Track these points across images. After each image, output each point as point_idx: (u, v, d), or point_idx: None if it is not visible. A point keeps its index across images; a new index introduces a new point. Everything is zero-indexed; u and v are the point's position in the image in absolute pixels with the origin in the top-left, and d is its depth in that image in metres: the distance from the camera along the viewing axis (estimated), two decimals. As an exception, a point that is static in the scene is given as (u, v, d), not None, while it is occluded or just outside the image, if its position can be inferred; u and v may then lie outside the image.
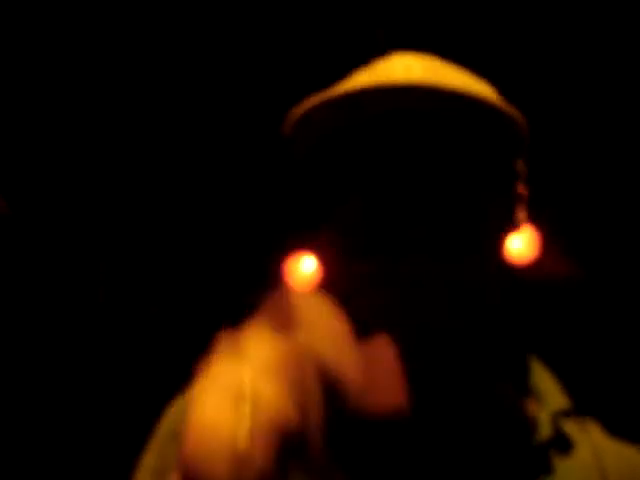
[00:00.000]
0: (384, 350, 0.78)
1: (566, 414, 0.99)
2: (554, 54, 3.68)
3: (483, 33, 3.57)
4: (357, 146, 0.96)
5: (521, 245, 4.50)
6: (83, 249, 4.17)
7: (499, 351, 1.03)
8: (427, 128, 0.95)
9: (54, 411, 3.98)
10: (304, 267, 4.58)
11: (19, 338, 4.08)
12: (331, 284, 1.00)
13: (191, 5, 3.42)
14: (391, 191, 0.94)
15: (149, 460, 1.08)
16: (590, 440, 0.99)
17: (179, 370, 1.20)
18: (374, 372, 0.74)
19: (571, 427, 0.99)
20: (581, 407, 1.01)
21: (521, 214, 1.01)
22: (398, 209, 0.93)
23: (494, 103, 0.97)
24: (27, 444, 3.88)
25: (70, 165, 3.93)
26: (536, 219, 4.46)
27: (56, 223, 4.08)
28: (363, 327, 0.88)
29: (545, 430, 0.96)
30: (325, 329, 0.73)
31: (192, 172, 4.01)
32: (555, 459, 0.95)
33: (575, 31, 3.57)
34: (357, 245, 0.96)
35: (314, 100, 0.96)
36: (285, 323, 0.72)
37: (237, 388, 0.65)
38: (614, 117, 4.00)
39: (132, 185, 4.05)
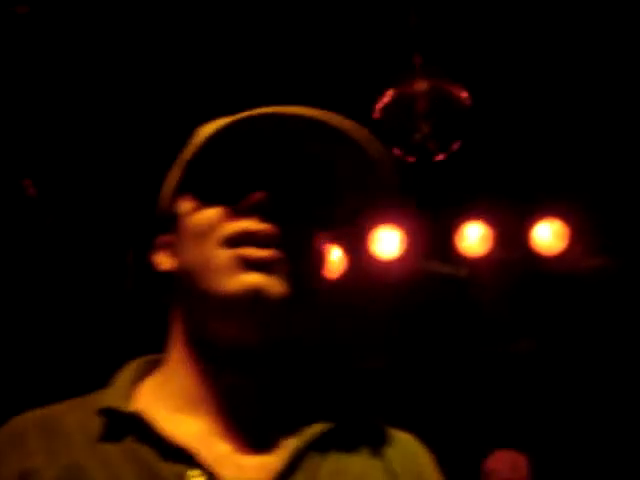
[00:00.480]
0: None
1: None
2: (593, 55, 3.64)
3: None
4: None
5: (549, 236, 4.47)
6: (111, 235, 4.18)
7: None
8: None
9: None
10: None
11: (45, 323, 4.11)
12: None
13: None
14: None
15: None
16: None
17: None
18: None
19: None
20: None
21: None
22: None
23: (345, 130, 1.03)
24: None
25: (98, 152, 3.94)
26: (565, 211, 4.44)
27: (84, 209, 4.11)
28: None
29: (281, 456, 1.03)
30: None
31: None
32: None
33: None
34: None
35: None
36: None
37: None
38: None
39: (157, 173, 4.05)
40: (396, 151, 3.25)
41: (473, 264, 4.55)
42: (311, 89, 3.59)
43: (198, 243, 1.03)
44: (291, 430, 1.04)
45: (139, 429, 1.01)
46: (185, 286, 1.06)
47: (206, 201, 1.04)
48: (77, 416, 1.06)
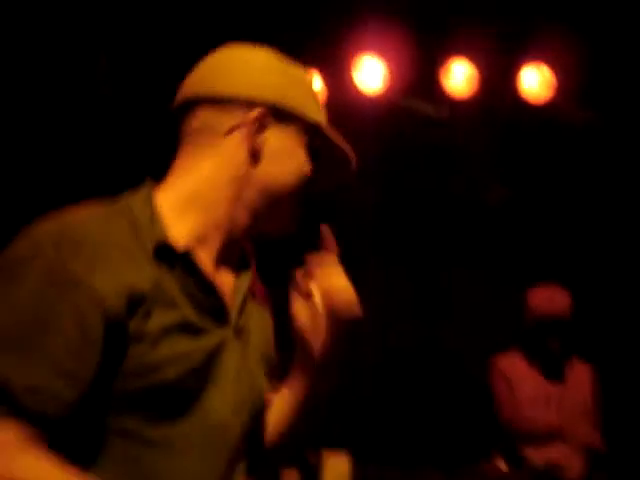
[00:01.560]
0: None
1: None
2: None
3: None
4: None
5: (537, 85, 4.37)
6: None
7: None
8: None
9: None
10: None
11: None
12: None
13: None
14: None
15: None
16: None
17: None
18: None
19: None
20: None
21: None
22: None
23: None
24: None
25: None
26: (555, 58, 4.34)
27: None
28: None
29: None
30: None
31: None
32: None
33: None
34: None
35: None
36: None
37: None
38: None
39: None
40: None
41: (456, 106, 4.46)
42: None
43: (296, 173, 1.41)
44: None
45: (186, 264, 1.29)
46: (261, 167, 1.37)
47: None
48: (124, 234, 1.25)
